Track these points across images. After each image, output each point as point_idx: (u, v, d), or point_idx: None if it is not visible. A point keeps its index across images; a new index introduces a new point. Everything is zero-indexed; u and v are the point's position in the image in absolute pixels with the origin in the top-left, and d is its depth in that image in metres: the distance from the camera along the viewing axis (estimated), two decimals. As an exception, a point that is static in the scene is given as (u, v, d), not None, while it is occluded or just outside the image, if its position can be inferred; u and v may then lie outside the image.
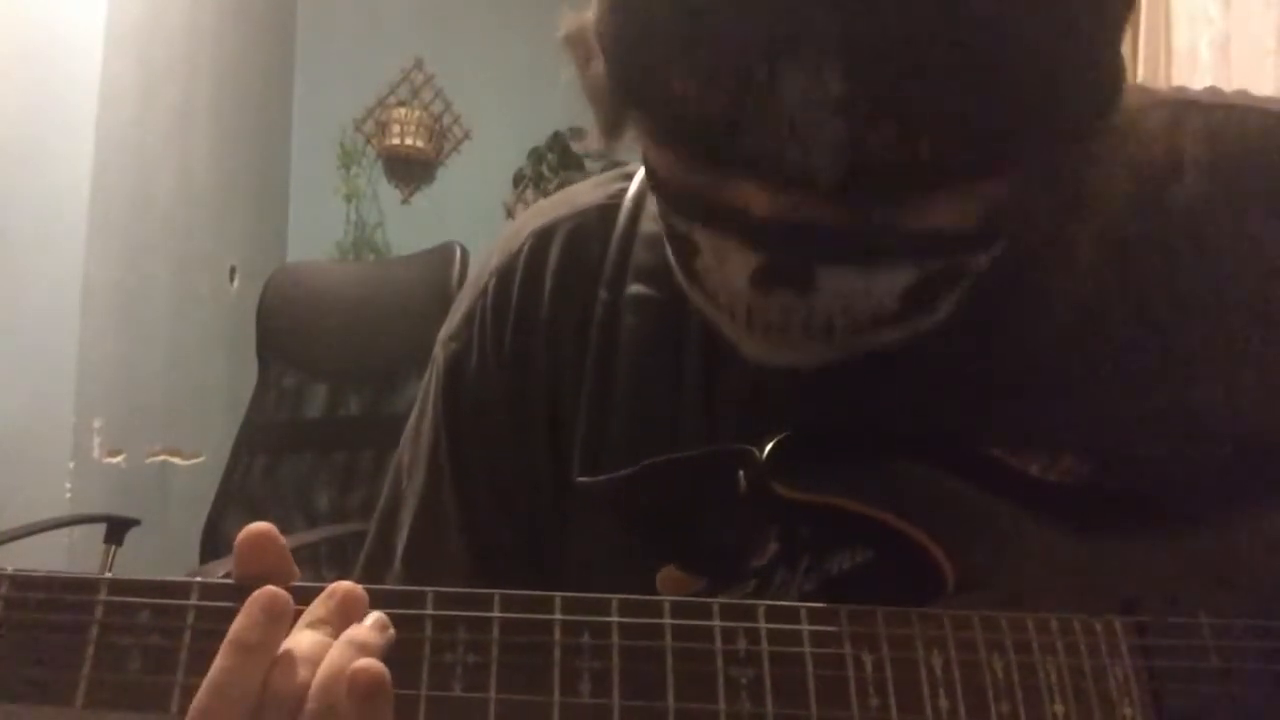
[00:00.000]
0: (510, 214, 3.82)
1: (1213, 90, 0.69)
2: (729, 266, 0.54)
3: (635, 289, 0.69)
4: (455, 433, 0.72)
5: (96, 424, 2.45)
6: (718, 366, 0.66)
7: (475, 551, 0.71)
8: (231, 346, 3.06)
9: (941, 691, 0.52)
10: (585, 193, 0.75)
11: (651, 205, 0.70)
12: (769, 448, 0.57)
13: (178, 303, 2.90)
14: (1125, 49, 0.58)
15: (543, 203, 0.78)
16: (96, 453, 2.46)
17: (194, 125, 3.02)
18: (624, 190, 0.73)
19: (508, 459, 0.70)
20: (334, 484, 2.29)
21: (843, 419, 0.61)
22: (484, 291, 0.73)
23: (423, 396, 0.76)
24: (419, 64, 3.96)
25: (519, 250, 0.73)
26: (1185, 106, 0.66)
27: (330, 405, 2.39)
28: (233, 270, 3.28)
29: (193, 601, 0.51)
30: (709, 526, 0.62)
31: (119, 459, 2.56)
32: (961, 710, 0.52)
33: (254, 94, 3.53)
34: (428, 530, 0.73)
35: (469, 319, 0.73)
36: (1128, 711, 0.53)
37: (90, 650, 0.50)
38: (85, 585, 0.51)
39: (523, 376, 0.70)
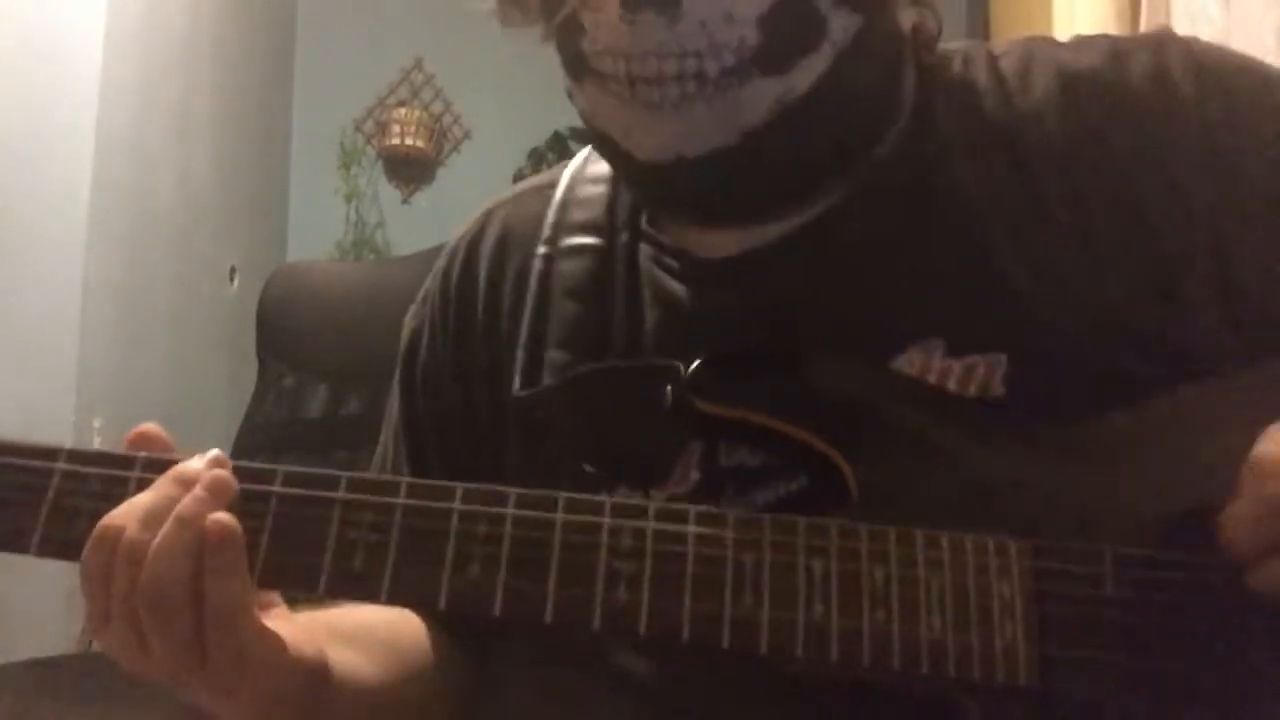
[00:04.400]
0: (510, 214, 3.82)
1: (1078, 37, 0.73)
2: (604, 13, 0.59)
3: (572, 240, 0.74)
4: (410, 409, 0.79)
5: (96, 424, 2.45)
6: (644, 301, 0.70)
7: None
8: (231, 346, 3.05)
9: (817, 594, 0.54)
10: (528, 181, 0.83)
11: (587, 172, 0.76)
12: (694, 365, 0.60)
13: (178, 303, 2.90)
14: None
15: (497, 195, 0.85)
16: (96, 453, 2.46)
17: (194, 125, 3.01)
18: (563, 169, 0.79)
19: (456, 429, 0.76)
20: (334, 484, 2.29)
21: (762, 331, 0.65)
22: (434, 274, 0.81)
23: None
24: (419, 64, 3.95)
25: (464, 234, 0.80)
26: (1039, 42, 0.71)
27: (330, 405, 2.39)
28: (233, 270, 3.27)
29: (135, 474, 0.59)
30: (633, 437, 0.66)
31: (119, 459, 2.55)
32: (834, 614, 0.53)
33: (254, 94, 3.52)
34: None
35: (424, 300, 0.81)
36: (1009, 629, 0.53)
37: (45, 510, 0.58)
38: (45, 453, 0.59)
39: (466, 346, 0.76)
